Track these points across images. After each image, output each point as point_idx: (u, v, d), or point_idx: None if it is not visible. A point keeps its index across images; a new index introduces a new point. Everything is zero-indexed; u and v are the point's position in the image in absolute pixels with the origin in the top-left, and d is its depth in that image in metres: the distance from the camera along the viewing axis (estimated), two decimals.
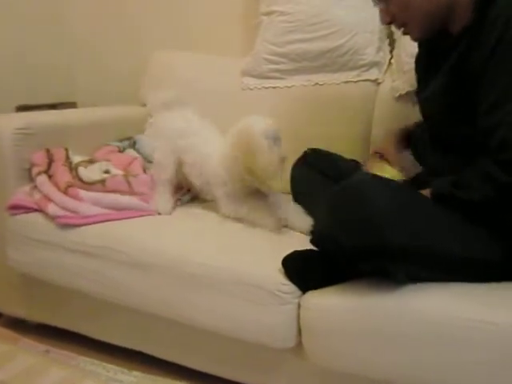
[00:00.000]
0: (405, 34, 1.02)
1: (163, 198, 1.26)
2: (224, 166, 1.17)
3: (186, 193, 1.35)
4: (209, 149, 1.22)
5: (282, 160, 1.12)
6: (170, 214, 1.24)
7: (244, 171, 1.11)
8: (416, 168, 1.14)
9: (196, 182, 1.25)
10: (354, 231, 0.81)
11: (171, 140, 1.25)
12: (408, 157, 1.17)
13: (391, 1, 0.97)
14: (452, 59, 0.94)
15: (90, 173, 1.28)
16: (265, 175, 1.11)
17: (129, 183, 1.26)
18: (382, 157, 1.17)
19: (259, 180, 1.12)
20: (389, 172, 1.10)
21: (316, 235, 0.96)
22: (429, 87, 1.02)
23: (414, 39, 1.03)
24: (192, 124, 1.27)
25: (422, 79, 1.11)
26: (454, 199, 0.89)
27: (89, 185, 1.23)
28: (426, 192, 0.94)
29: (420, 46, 1.12)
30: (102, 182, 1.24)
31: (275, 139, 1.12)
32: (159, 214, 1.23)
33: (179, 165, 1.27)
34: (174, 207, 1.27)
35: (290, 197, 1.25)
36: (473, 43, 0.89)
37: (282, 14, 1.53)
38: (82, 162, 1.33)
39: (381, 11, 1.01)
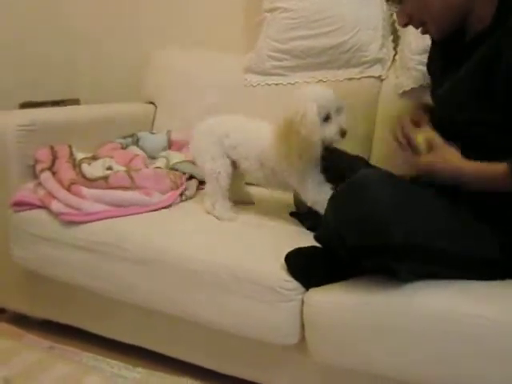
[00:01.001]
0: (424, 33, 1.01)
1: (225, 206, 1.20)
2: (277, 150, 1.07)
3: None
4: (260, 136, 1.14)
5: (342, 133, 1.03)
6: (236, 220, 1.19)
7: (296, 148, 1.02)
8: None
9: (259, 175, 1.17)
10: (358, 228, 0.81)
11: (218, 144, 1.19)
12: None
13: (408, 1, 0.96)
14: (482, 50, 0.92)
15: (93, 169, 1.28)
16: (315, 151, 1.02)
17: (131, 178, 1.26)
18: (417, 124, 1.07)
19: (306, 160, 1.04)
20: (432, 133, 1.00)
21: (320, 232, 0.96)
22: (448, 82, 0.99)
23: (435, 36, 1.02)
24: (232, 121, 1.22)
25: (437, 78, 1.09)
26: None
27: (92, 181, 1.24)
28: (496, 167, 0.86)
29: (433, 47, 1.11)
30: (105, 178, 1.25)
31: (337, 108, 1.03)
32: (225, 220, 1.18)
33: (233, 166, 1.20)
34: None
35: None
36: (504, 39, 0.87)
37: (285, 10, 1.53)
38: (85, 158, 1.33)
39: (397, 13, 1.00)
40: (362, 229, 0.81)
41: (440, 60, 1.08)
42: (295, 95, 1.06)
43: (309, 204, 1.11)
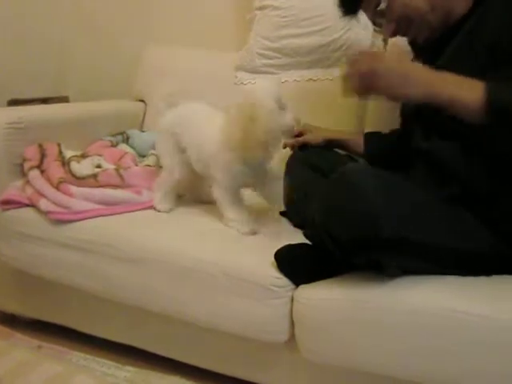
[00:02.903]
0: (412, 40, 1.02)
1: (165, 198, 1.21)
2: (224, 142, 1.07)
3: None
4: (208, 127, 1.14)
5: (297, 121, 1.05)
6: (169, 212, 1.20)
7: (246, 141, 1.01)
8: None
9: (197, 167, 1.17)
10: (346, 223, 0.81)
11: (169, 133, 1.19)
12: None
13: (392, 9, 0.96)
14: (461, 35, 0.93)
15: (82, 168, 1.27)
16: (273, 139, 1.03)
17: (121, 176, 1.25)
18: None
19: (263, 147, 1.03)
20: None
21: (309, 228, 0.96)
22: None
23: (423, 40, 1.01)
24: (189, 109, 1.21)
25: None
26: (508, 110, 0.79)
27: (81, 180, 1.23)
28: (473, 84, 0.82)
29: (416, 55, 1.12)
30: (94, 176, 1.24)
31: (283, 103, 1.05)
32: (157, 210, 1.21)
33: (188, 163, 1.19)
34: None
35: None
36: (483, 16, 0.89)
37: (275, 8, 1.53)
38: (74, 156, 1.32)
39: (384, 25, 0.99)
40: (348, 223, 0.81)
41: (420, 57, 1.08)
42: (247, 89, 1.08)
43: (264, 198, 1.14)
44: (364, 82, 0.86)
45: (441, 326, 0.82)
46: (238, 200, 1.13)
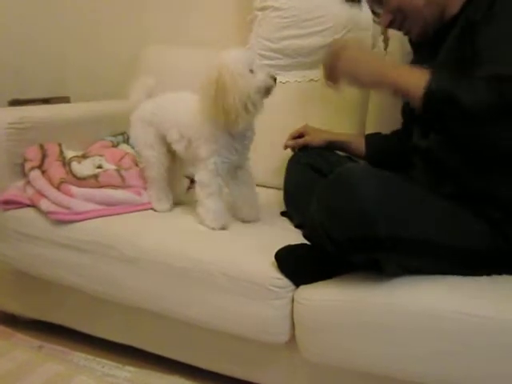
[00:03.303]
0: (406, 34, 1.03)
1: (160, 196, 1.21)
2: (200, 114, 1.06)
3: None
4: (181, 105, 1.13)
5: (272, 77, 1.03)
6: (169, 211, 1.20)
7: (218, 106, 1.00)
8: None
9: (180, 147, 1.13)
10: (344, 222, 0.81)
11: (149, 125, 1.17)
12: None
13: (388, 0, 0.98)
14: (453, 33, 0.94)
15: (83, 168, 1.27)
16: (247, 101, 1.00)
17: (122, 177, 1.25)
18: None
19: (238, 111, 1.00)
20: None
21: (308, 228, 0.96)
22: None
23: (416, 36, 1.03)
24: (165, 97, 1.19)
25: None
26: (451, 101, 0.82)
27: (82, 180, 1.23)
28: (419, 74, 0.86)
29: (414, 52, 1.13)
30: (95, 176, 1.24)
31: (259, 66, 1.04)
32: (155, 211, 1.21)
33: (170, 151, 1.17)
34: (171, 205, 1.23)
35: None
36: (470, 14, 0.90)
37: (276, 9, 1.53)
38: (74, 157, 1.32)
39: (382, 14, 1.02)
40: (347, 222, 0.81)
41: (418, 58, 1.09)
42: (214, 60, 1.04)
43: (195, 178, 1.11)
44: (330, 67, 0.96)
45: (442, 327, 0.82)
46: (217, 188, 1.10)
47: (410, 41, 1.12)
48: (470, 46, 0.89)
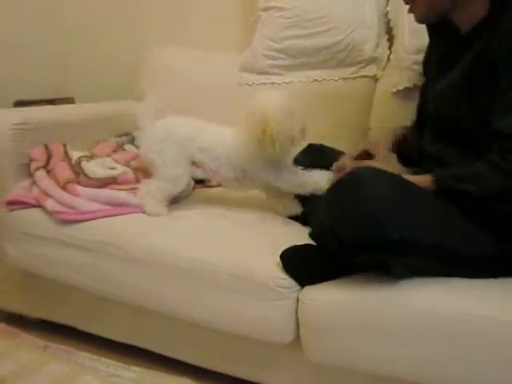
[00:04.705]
0: (410, 11, 1.02)
1: (161, 204, 1.20)
2: (238, 150, 1.14)
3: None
4: (226, 137, 1.18)
5: (302, 131, 1.12)
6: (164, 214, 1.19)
7: (260, 146, 1.08)
8: (401, 170, 1.12)
9: (229, 175, 1.19)
10: (352, 224, 0.81)
11: (180, 147, 1.18)
12: (395, 157, 1.17)
13: None
14: (473, 51, 0.93)
15: (97, 169, 1.27)
16: (284, 144, 1.09)
17: (137, 179, 1.26)
18: (368, 154, 1.15)
19: (276, 152, 1.09)
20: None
21: (315, 229, 0.96)
22: (443, 81, 1.01)
23: (418, 18, 1.01)
24: (191, 123, 1.22)
25: (431, 78, 1.10)
26: (455, 193, 0.90)
27: (96, 181, 1.23)
28: (425, 179, 0.93)
29: (430, 45, 1.12)
30: (114, 178, 1.24)
31: (290, 113, 1.10)
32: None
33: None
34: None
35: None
36: (493, 35, 0.89)
37: (279, 9, 1.53)
38: (83, 156, 1.32)
39: None
40: (356, 225, 0.81)
41: (436, 57, 1.08)
42: (257, 98, 1.12)
43: (291, 189, 1.17)
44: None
45: (446, 328, 0.82)
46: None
47: (429, 29, 1.11)
48: (486, 70, 0.89)
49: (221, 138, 1.19)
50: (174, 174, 1.19)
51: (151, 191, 1.19)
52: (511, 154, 0.84)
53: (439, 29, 1.05)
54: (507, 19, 0.88)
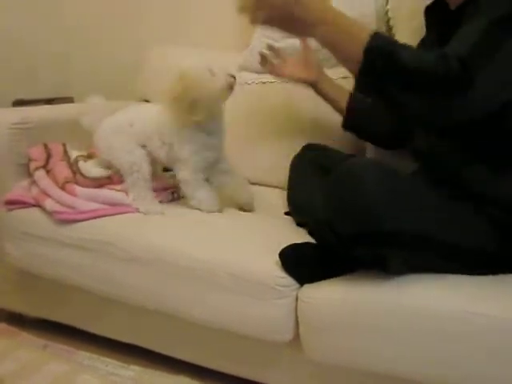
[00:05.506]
0: (425, 13, 1.02)
1: (148, 199, 1.20)
2: (170, 112, 1.13)
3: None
4: (155, 113, 1.18)
5: (232, 76, 1.11)
6: (163, 213, 1.19)
7: (187, 109, 1.08)
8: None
9: (162, 154, 1.19)
10: (349, 217, 0.81)
11: (127, 135, 1.20)
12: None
13: None
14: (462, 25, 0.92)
15: (93, 168, 1.26)
16: (209, 102, 1.09)
17: None
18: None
19: (206, 112, 1.09)
20: None
21: (313, 224, 0.96)
22: None
23: None
24: (130, 109, 1.25)
25: None
26: (391, 58, 0.80)
27: (93, 181, 1.22)
28: (363, 28, 0.84)
29: (427, 35, 1.12)
30: (108, 177, 1.24)
31: (213, 70, 1.10)
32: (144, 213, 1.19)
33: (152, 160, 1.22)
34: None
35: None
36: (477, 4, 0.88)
37: None
38: (80, 156, 1.32)
39: None
40: (351, 216, 0.81)
41: (433, 41, 1.07)
42: (174, 70, 1.12)
43: (178, 177, 1.19)
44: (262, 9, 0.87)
45: (447, 327, 0.82)
46: (203, 181, 1.19)
47: (426, 16, 1.11)
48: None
49: (150, 116, 1.20)
50: (130, 164, 1.19)
51: (135, 194, 1.20)
52: (453, 61, 0.77)
53: (434, 11, 1.05)
54: None
